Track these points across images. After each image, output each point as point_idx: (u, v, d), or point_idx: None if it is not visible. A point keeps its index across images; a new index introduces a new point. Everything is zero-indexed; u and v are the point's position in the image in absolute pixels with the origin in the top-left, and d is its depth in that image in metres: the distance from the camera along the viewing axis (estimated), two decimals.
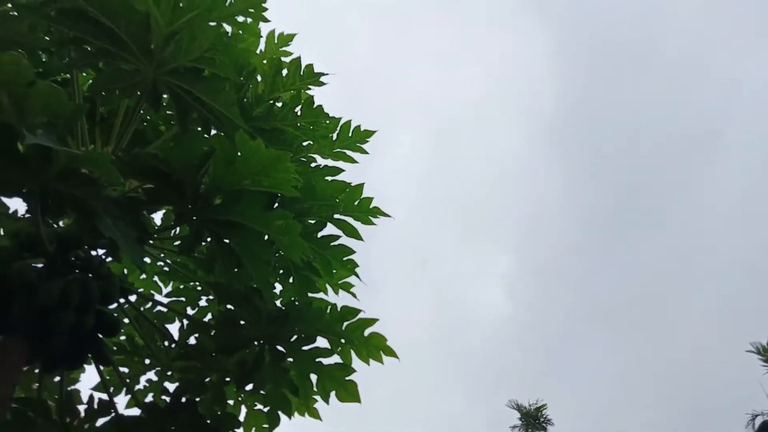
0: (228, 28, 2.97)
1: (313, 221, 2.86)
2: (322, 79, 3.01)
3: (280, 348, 2.64)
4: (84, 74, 3.01)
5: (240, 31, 3.03)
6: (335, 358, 2.66)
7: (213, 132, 2.80)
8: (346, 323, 2.62)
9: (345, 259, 2.81)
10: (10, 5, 2.50)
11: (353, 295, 2.98)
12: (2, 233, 2.94)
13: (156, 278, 3.27)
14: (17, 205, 3.36)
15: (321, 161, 3.18)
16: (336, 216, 2.83)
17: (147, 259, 3.27)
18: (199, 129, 2.73)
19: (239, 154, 2.26)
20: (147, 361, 2.94)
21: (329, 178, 2.98)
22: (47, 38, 2.70)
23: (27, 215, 2.62)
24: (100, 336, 2.54)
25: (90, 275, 2.49)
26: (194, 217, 2.46)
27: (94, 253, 2.64)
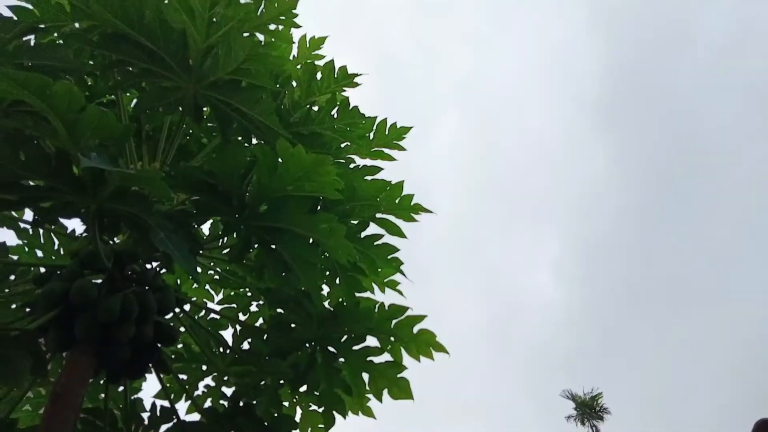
0: (261, 37, 3.04)
1: (355, 222, 2.89)
2: (356, 79, 3.03)
3: (331, 349, 2.69)
4: (127, 94, 3.12)
5: (273, 39, 3.08)
6: (386, 357, 2.68)
7: (254, 141, 2.87)
8: (394, 321, 2.64)
9: (390, 257, 2.83)
10: (56, 34, 2.61)
11: (399, 292, 2.99)
12: (62, 252, 3.08)
13: (208, 287, 3.37)
14: (74, 224, 3.51)
15: (359, 161, 3.21)
16: (378, 215, 2.85)
17: (198, 269, 3.38)
18: (240, 139, 2.80)
19: (281, 161, 2.31)
20: (204, 368, 3.04)
21: (369, 178, 3.00)
22: (92, 63, 2.82)
23: (84, 234, 2.74)
24: (160, 346, 2.65)
25: (147, 288, 2.59)
26: (242, 226, 2.52)
27: (148, 266, 2.75)
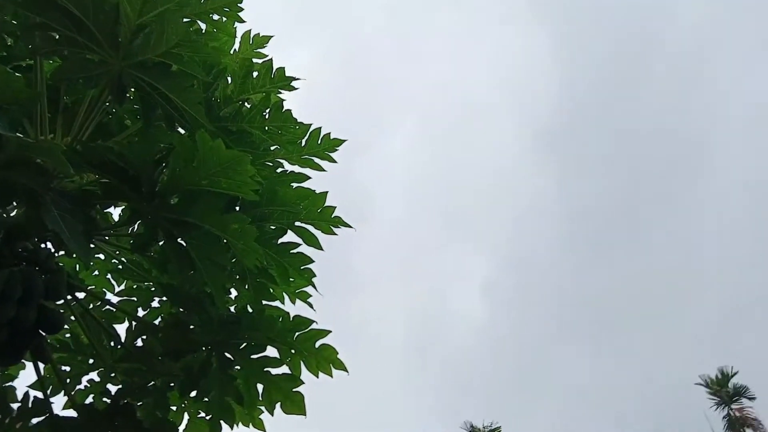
0: (203, 26, 2.95)
1: (273, 227, 2.82)
2: (295, 83, 2.99)
3: (228, 355, 2.58)
4: (51, 62, 2.94)
5: (215, 30, 3.00)
6: (284, 369, 2.60)
7: (179, 129, 2.76)
8: (297, 333, 2.57)
9: (303, 267, 2.77)
10: None
11: (309, 305, 2.93)
12: None
13: (109, 276, 3.18)
14: None
15: (289, 167, 3.14)
16: (297, 223, 2.79)
17: (101, 256, 3.19)
18: (163, 125, 2.68)
19: (198, 153, 2.21)
20: (91, 361, 2.84)
21: (295, 185, 2.95)
22: (14, 22, 2.64)
23: None
24: (42, 333, 2.45)
25: (37, 269, 2.41)
26: (149, 215, 2.40)
27: (43, 246, 2.56)
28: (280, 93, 2.95)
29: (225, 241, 2.46)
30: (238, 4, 2.82)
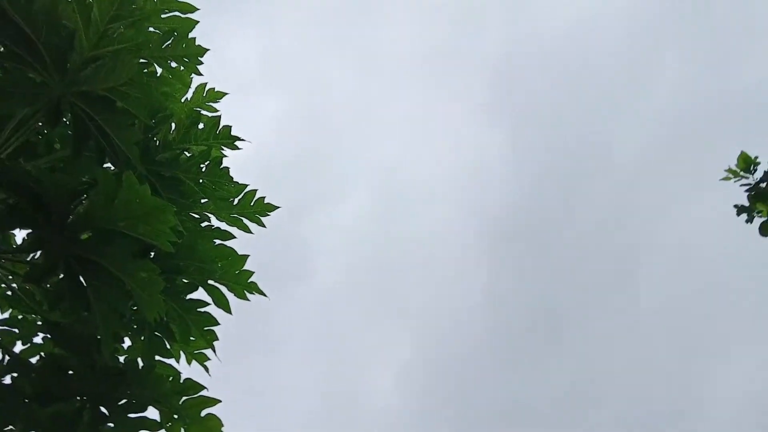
0: (159, 70, 2.96)
1: (186, 281, 2.72)
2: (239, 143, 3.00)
3: (103, 409, 2.39)
4: None
5: (170, 76, 3.01)
6: None
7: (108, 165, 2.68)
8: (185, 398, 2.42)
9: (206, 328, 2.66)
10: None
11: (206, 368, 2.79)
12: None
13: None
14: None
15: (216, 222, 3.09)
16: (210, 281, 2.71)
17: None
18: (93, 156, 2.60)
19: (122, 193, 2.15)
20: None
21: (217, 242, 2.89)
22: None
23: None
24: None
25: None
26: (54, 247, 2.27)
27: None
28: (222, 149, 2.95)
29: (128, 288, 2.34)
30: (199, 58, 2.87)
